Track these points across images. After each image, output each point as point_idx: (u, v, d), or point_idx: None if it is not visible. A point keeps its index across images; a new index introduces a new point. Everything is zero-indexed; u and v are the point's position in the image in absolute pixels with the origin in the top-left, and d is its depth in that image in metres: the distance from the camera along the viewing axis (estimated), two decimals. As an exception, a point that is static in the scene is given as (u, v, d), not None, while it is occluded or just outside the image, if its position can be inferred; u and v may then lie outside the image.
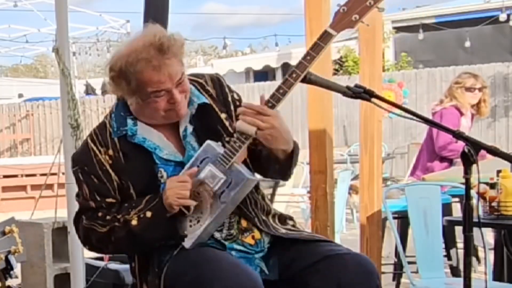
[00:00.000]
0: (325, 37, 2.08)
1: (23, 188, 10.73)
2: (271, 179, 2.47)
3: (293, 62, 13.27)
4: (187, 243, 2.15)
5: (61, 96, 3.04)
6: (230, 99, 2.32)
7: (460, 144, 4.80)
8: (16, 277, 2.66)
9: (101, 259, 3.95)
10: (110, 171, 2.20)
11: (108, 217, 2.17)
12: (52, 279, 3.71)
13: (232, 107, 2.30)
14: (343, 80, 11.57)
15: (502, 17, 13.29)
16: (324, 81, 2.17)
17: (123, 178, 2.20)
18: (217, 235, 2.19)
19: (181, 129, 2.25)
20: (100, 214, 2.20)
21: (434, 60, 14.28)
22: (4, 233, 2.58)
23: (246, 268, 2.09)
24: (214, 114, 2.27)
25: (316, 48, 2.08)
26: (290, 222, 2.33)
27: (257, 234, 2.22)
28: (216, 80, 2.34)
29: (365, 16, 2.09)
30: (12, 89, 22.90)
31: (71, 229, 3.06)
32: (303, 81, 2.15)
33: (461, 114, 4.99)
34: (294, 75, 2.09)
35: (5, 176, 10.90)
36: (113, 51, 2.27)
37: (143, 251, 2.22)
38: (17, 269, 3.32)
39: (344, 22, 2.07)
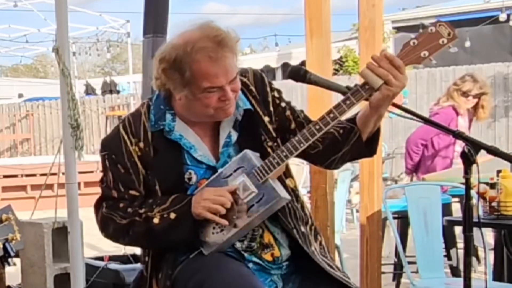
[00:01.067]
0: None
1: (23, 188, 10.75)
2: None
3: (293, 62, 13.26)
4: (206, 250, 2.09)
5: (61, 96, 3.04)
6: (270, 98, 2.21)
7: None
8: (14, 264, 2.65)
9: (101, 259, 3.96)
10: (138, 163, 2.12)
11: (129, 210, 2.11)
12: (52, 279, 3.70)
13: (271, 108, 2.20)
14: (343, 80, 11.57)
15: (502, 17, 13.30)
16: (324, 81, 2.15)
17: (150, 173, 2.12)
18: (238, 244, 2.12)
19: (224, 134, 2.15)
20: (121, 205, 2.13)
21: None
22: (1, 221, 2.57)
23: (254, 281, 2.02)
24: (257, 118, 2.17)
25: None
26: (319, 238, 2.26)
27: (276, 252, 2.14)
28: (259, 77, 2.25)
29: (435, 54, 1.98)
30: (12, 89, 22.93)
31: (71, 229, 3.07)
32: (303, 81, 2.14)
33: (458, 114, 4.97)
34: (348, 102, 2.00)
35: (5, 176, 10.93)
36: (164, 44, 2.11)
37: (159, 248, 2.17)
38: (17, 263, 3.33)
39: (411, 56, 1.98)
